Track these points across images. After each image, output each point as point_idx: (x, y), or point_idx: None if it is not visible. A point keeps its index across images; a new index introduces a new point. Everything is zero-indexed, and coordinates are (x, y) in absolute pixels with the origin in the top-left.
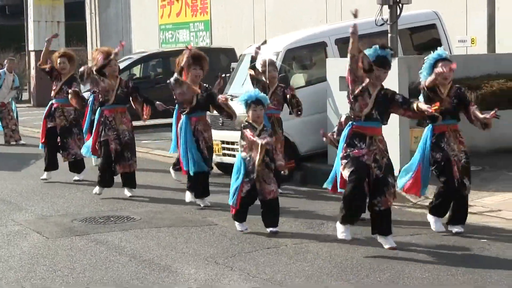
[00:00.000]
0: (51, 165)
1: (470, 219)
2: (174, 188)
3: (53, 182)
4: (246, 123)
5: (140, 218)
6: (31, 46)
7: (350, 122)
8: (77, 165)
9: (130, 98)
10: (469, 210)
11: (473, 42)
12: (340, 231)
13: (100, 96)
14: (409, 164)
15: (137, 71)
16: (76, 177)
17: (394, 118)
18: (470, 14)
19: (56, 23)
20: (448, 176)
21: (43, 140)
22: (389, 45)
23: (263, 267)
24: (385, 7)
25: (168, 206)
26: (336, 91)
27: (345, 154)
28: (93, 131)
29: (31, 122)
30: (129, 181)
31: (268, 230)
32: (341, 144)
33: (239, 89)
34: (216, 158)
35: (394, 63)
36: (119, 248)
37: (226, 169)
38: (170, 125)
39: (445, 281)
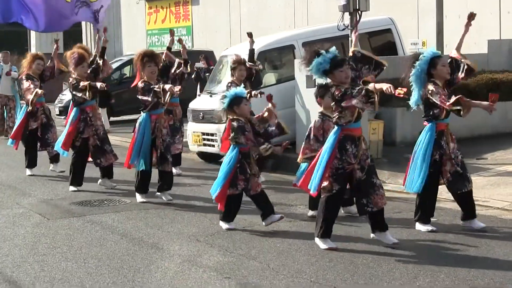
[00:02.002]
0: (33, 163)
1: (446, 204)
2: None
3: (53, 171)
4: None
5: (131, 201)
6: (33, 50)
7: (337, 127)
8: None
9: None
10: (443, 195)
11: (424, 45)
12: (324, 246)
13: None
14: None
15: (127, 71)
16: (56, 168)
17: None
18: (421, 20)
19: None
20: (437, 176)
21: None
22: (350, 48)
23: (239, 244)
24: (346, 13)
25: (155, 191)
26: (303, 88)
27: (338, 166)
28: (69, 127)
29: None
30: (110, 172)
31: (277, 216)
32: (329, 148)
33: (218, 87)
34: (197, 148)
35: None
36: (112, 227)
37: (206, 157)
38: None
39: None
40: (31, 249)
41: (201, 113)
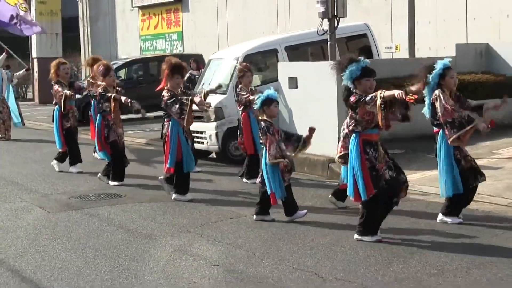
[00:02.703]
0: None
1: (417, 196)
2: (152, 171)
3: (53, 167)
4: (264, 122)
5: (125, 195)
6: (34, 54)
7: (355, 134)
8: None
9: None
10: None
11: (397, 49)
12: (368, 238)
13: (101, 104)
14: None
15: (122, 73)
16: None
17: (332, 111)
18: (395, 26)
19: (55, 35)
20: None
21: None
22: (328, 51)
23: (227, 234)
24: (325, 20)
25: (149, 186)
26: (286, 89)
27: (370, 166)
28: (97, 136)
29: (35, 117)
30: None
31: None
32: (354, 155)
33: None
34: None
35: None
36: (108, 219)
37: (197, 154)
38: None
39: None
40: (33, 240)
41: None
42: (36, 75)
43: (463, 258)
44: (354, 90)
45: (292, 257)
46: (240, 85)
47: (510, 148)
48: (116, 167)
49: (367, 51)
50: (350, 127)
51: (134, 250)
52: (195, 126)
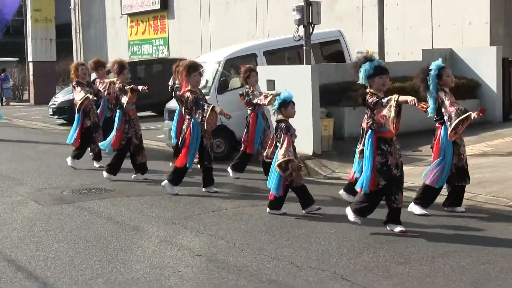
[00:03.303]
0: (98, 156)
1: None
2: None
3: (47, 163)
4: (284, 122)
5: (115, 190)
6: (30, 58)
7: (371, 131)
8: (99, 154)
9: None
10: None
11: (368, 53)
12: (353, 217)
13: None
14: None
15: (111, 77)
16: (97, 164)
17: (307, 111)
18: (365, 32)
19: (49, 40)
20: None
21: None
22: (304, 56)
23: (209, 226)
24: (301, 26)
25: (137, 181)
26: (264, 91)
27: (382, 162)
28: (117, 129)
29: (30, 117)
30: (144, 168)
31: (304, 211)
32: (369, 150)
33: None
34: (170, 143)
35: (308, 69)
36: (98, 212)
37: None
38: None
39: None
40: (28, 232)
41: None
42: (31, 77)
43: (429, 247)
44: (369, 90)
45: (270, 247)
46: (247, 86)
47: (470, 146)
48: (117, 161)
49: (340, 56)
50: (368, 124)
51: (123, 241)
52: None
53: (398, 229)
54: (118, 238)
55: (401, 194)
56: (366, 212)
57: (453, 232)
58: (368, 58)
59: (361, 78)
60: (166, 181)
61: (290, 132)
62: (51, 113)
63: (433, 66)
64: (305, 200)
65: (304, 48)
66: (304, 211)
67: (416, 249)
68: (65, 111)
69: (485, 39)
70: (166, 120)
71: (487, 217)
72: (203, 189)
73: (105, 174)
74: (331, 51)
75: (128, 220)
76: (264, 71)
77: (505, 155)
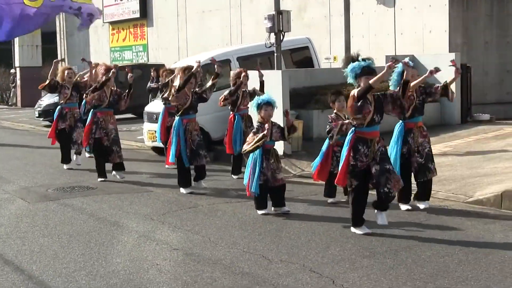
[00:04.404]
0: (66, 160)
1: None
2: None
3: (33, 163)
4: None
5: (97, 188)
6: (16, 63)
7: (353, 128)
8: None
9: (120, 101)
10: None
11: (335, 59)
12: (359, 232)
13: (94, 100)
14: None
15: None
16: (66, 166)
17: (278, 113)
18: (333, 39)
19: (35, 46)
20: (408, 169)
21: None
22: (275, 61)
23: (186, 222)
24: (272, 34)
25: (117, 179)
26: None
27: (352, 164)
28: (85, 129)
29: (18, 118)
30: (119, 167)
31: (282, 210)
32: (346, 147)
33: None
34: (151, 144)
35: (278, 74)
36: (81, 209)
37: (159, 151)
38: (130, 119)
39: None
40: (14, 227)
41: (154, 115)
42: (18, 82)
43: (392, 242)
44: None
45: (243, 241)
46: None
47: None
48: (97, 163)
49: (309, 62)
50: (351, 120)
51: (104, 236)
52: (155, 127)
53: (382, 219)
54: (100, 233)
55: (392, 181)
56: (358, 219)
57: (415, 227)
58: (354, 58)
59: (349, 76)
60: (182, 189)
61: (258, 133)
62: (37, 115)
63: (399, 66)
64: (278, 201)
65: (275, 54)
66: (273, 209)
67: (380, 243)
68: (50, 114)
69: (444, 46)
70: (146, 122)
71: (446, 213)
72: (194, 183)
73: (99, 179)
74: (301, 57)
75: (109, 216)
76: None
77: (463, 155)
